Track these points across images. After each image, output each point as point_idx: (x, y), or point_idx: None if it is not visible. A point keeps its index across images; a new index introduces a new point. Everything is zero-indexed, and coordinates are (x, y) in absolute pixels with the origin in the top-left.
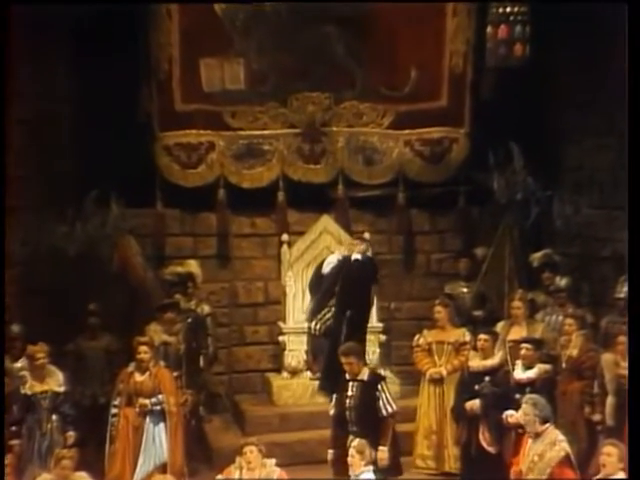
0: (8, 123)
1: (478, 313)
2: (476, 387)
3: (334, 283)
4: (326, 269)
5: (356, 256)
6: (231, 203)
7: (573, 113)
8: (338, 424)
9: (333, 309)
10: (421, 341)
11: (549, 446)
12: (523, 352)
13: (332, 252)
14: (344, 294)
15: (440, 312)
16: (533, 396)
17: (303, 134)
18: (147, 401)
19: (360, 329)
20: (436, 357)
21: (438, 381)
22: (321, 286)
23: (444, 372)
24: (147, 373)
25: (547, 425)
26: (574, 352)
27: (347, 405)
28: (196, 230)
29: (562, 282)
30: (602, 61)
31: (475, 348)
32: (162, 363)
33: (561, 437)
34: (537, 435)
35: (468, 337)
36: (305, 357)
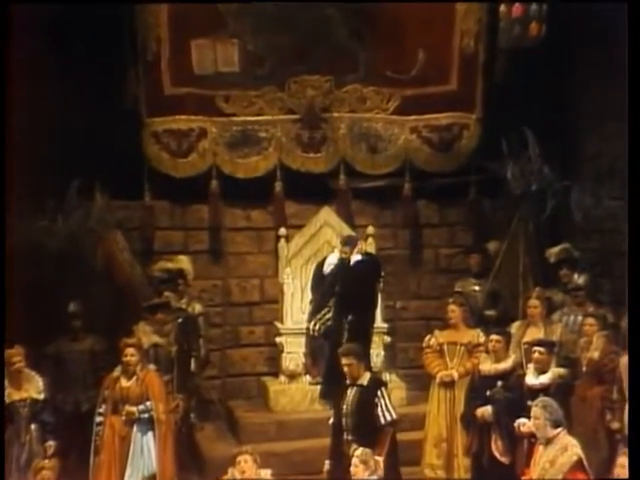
0: None
1: (490, 313)
2: (487, 392)
3: (334, 284)
4: (327, 269)
5: (357, 257)
6: (224, 194)
7: (592, 97)
8: (336, 432)
9: (333, 309)
10: (432, 342)
11: (560, 451)
12: (535, 356)
13: (333, 247)
14: (345, 297)
15: (454, 311)
16: (544, 398)
17: (302, 120)
18: (134, 408)
19: (364, 330)
20: (447, 359)
21: (449, 385)
22: (321, 286)
23: (455, 375)
24: (134, 378)
25: (559, 430)
26: (595, 355)
27: (344, 412)
28: (187, 223)
29: (581, 279)
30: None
31: (487, 350)
32: (151, 367)
33: (573, 442)
34: (548, 441)
35: (483, 338)
36: (304, 360)
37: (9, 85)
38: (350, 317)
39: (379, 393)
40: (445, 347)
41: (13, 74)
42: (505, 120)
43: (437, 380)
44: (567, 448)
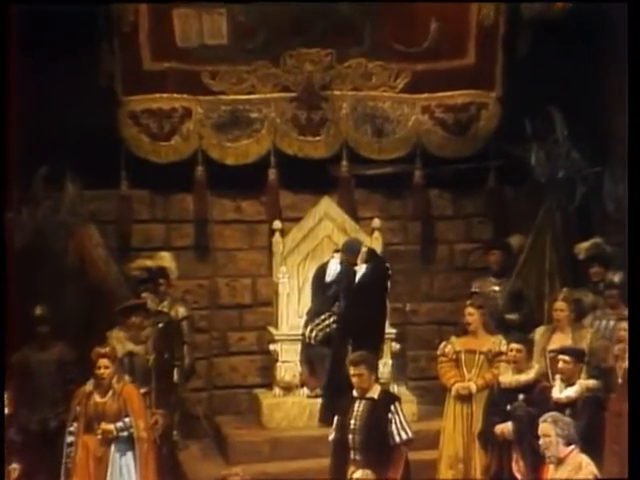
0: None
1: (512, 317)
2: (508, 407)
3: (337, 296)
4: (328, 279)
5: (362, 269)
6: (212, 183)
7: (624, 73)
8: (338, 451)
9: (334, 317)
10: (448, 349)
11: (574, 472)
12: (561, 365)
13: (335, 244)
14: (350, 311)
15: (472, 315)
16: (553, 413)
17: (299, 99)
18: (112, 426)
19: (372, 337)
20: (465, 369)
21: (466, 399)
22: (322, 295)
23: (473, 388)
24: (110, 392)
25: (571, 448)
26: None
27: (351, 427)
28: (169, 215)
29: (615, 278)
30: None
31: (508, 360)
32: (127, 378)
33: (587, 460)
34: (560, 460)
35: (505, 346)
36: (301, 370)
37: None
38: (356, 328)
39: (393, 408)
40: (462, 356)
41: None
42: (529, 99)
43: (453, 393)
44: (581, 467)
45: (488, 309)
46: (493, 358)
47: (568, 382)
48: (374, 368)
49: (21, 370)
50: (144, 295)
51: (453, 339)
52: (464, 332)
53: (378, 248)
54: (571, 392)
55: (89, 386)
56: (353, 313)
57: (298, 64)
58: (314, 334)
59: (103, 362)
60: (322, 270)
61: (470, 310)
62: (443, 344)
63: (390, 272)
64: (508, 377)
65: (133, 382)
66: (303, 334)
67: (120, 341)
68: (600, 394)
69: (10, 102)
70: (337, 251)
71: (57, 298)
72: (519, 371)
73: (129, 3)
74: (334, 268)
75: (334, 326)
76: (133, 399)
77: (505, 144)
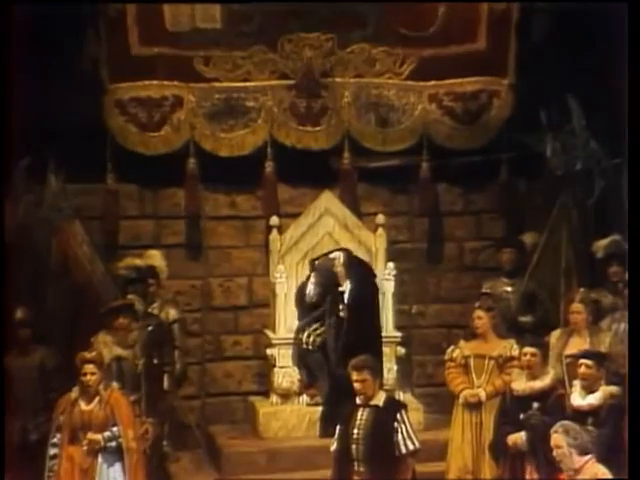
0: None
1: (526, 319)
2: (521, 416)
3: (323, 315)
4: (309, 299)
5: (346, 288)
6: (204, 176)
7: None
8: (341, 462)
9: (327, 333)
10: (456, 354)
11: None
12: (582, 370)
13: (336, 241)
14: (340, 325)
15: (481, 318)
16: (564, 422)
17: (298, 87)
18: (99, 436)
19: (371, 344)
20: (474, 375)
21: (475, 407)
22: (307, 313)
23: (483, 395)
24: (96, 399)
25: (587, 457)
26: None
27: (354, 437)
28: (159, 211)
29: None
30: None
31: (521, 365)
32: (114, 385)
33: (603, 470)
34: (576, 472)
35: (517, 350)
36: (300, 376)
37: None
38: (352, 339)
39: (399, 417)
40: (471, 361)
41: None
42: (544, 86)
43: (461, 400)
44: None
45: (500, 311)
46: (504, 363)
47: (590, 389)
48: (378, 373)
49: None
50: (131, 297)
51: (462, 343)
52: (473, 336)
53: (382, 246)
54: (593, 399)
55: (74, 393)
56: (346, 328)
57: (297, 49)
58: (312, 339)
59: (89, 368)
60: (302, 290)
61: (479, 313)
62: (451, 348)
63: (375, 274)
64: (522, 383)
65: (121, 389)
66: (299, 339)
67: (107, 345)
68: (624, 401)
69: None
70: (313, 269)
71: (39, 299)
72: (533, 377)
73: None
74: (313, 290)
75: (332, 331)
76: (121, 407)
77: (518, 134)
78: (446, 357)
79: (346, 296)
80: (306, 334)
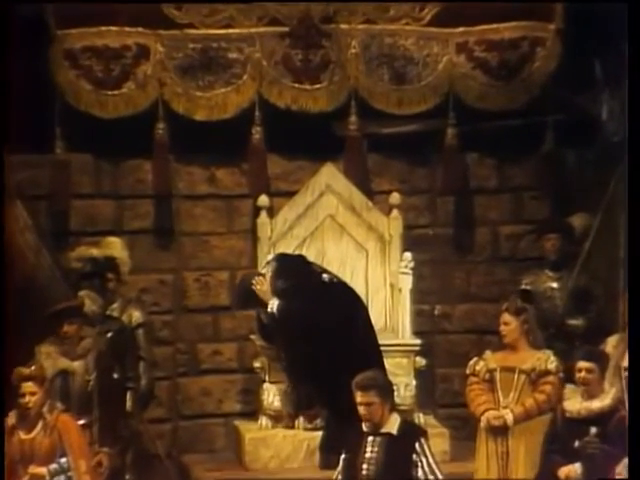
0: None
1: (576, 322)
2: (576, 443)
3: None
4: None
5: (273, 307)
6: (177, 145)
7: None
8: None
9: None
10: (480, 367)
11: None
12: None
13: (340, 226)
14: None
15: (508, 323)
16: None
17: (293, 35)
18: (44, 469)
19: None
20: (500, 394)
21: (500, 432)
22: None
23: (510, 418)
24: (39, 425)
25: None
26: None
27: (363, 473)
28: (120, 189)
29: None
30: None
31: (574, 381)
32: (59, 406)
33: None
34: None
35: (553, 363)
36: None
37: None
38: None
39: (418, 447)
40: (497, 375)
41: None
42: (598, 33)
43: (483, 424)
44: None
45: (541, 313)
46: (537, 379)
47: None
48: (389, 394)
49: None
50: (82, 294)
51: (487, 354)
52: (501, 345)
53: (397, 232)
54: None
55: (11, 419)
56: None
57: None
58: None
59: (28, 387)
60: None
61: (506, 317)
62: (474, 360)
63: (324, 273)
64: (576, 403)
65: (68, 411)
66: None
67: (50, 357)
68: None
69: None
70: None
71: None
72: (590, 396)
73: None
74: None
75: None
76: (71, 433)
77: (567, 92)
78: (468, 370)
79: (279, 316)
80: None
